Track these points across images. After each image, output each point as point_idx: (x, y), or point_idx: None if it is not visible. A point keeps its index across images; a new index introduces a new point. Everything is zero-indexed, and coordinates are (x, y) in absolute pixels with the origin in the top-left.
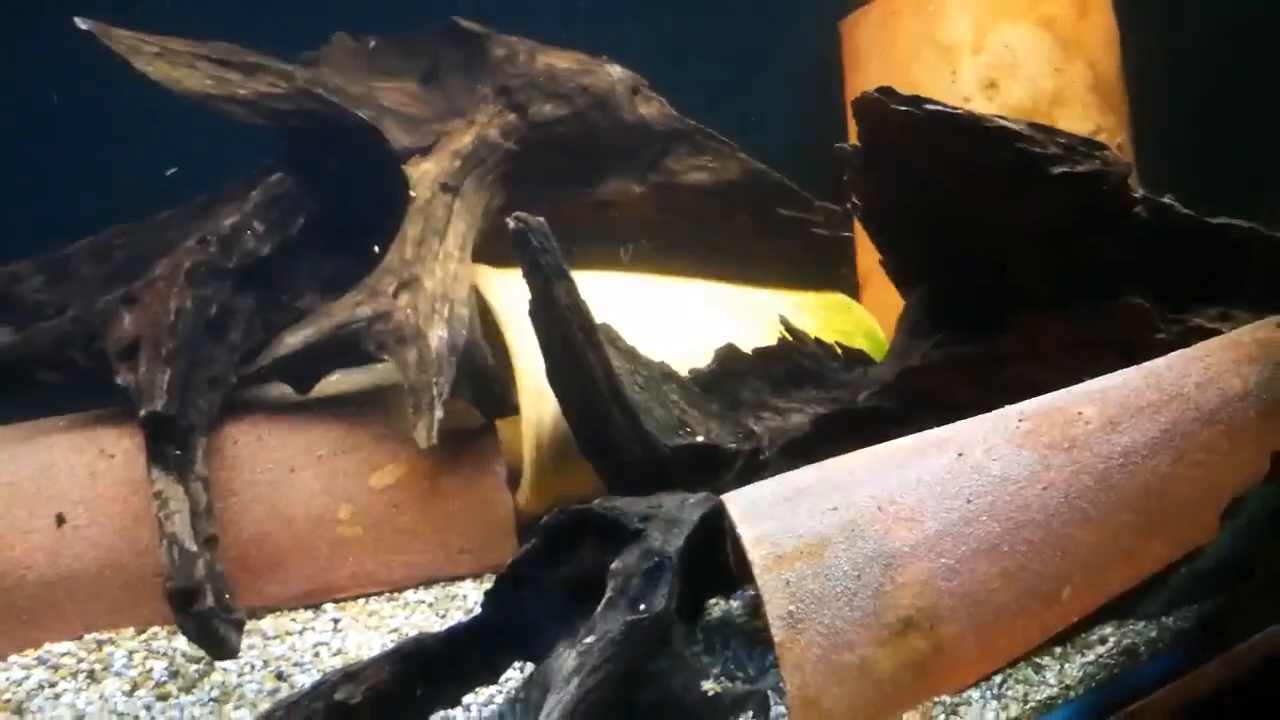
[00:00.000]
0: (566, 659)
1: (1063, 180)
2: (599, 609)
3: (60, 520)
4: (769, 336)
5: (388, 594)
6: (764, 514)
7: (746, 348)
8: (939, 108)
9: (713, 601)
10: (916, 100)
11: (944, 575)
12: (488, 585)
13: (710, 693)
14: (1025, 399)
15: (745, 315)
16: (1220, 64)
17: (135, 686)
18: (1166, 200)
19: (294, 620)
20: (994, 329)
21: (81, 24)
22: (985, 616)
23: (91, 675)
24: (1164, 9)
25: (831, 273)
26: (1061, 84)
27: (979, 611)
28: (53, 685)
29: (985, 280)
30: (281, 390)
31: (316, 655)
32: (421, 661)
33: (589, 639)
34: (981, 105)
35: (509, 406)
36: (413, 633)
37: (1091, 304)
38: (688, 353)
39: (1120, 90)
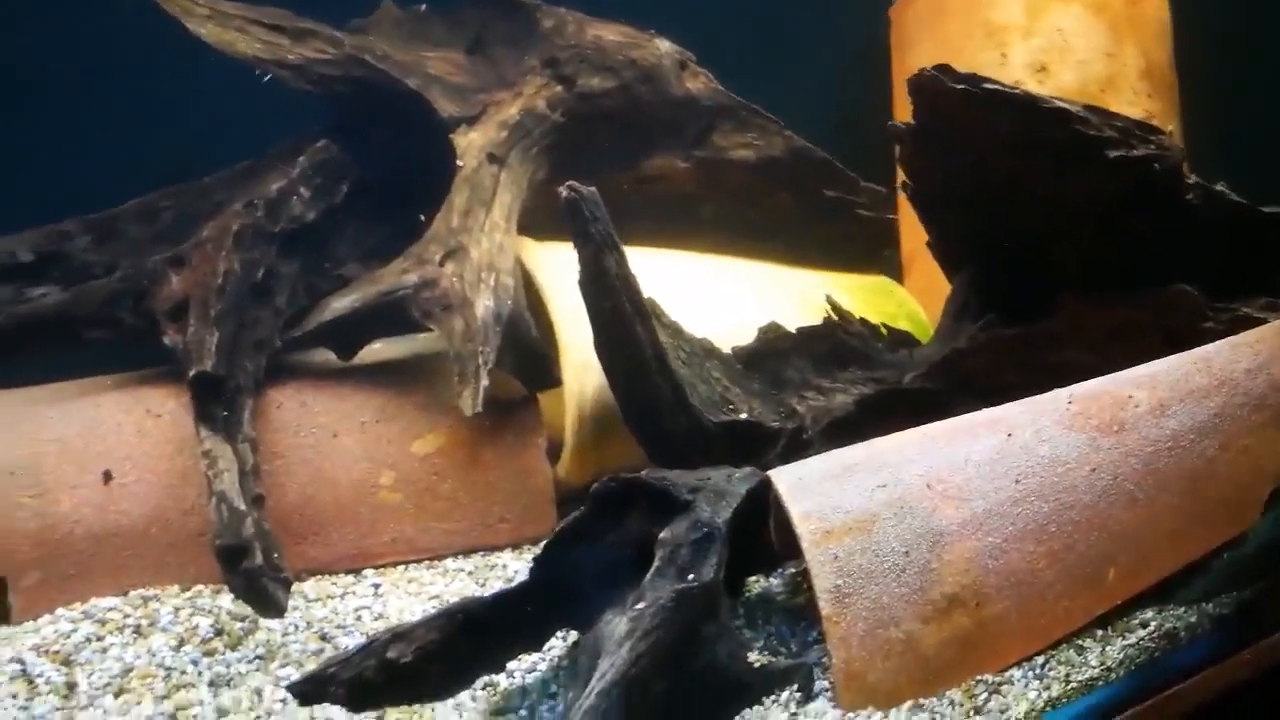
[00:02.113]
0: (618, 625)
1: (1117, 164)
2: (648, 577)
3: (108, 477)
4: (811, 316)
5: (427, 561)
6: (812, 489)
7: (788, 327)
8: (997, 86)
9: (753, 579)
10: (974, 79)
11: (990, 554)
12: (526, 555)
13: (756, 664)
14: (1071, 383)
15: (787, 295)
16: (1272, 52)
17: (182, 642)
18: (1219, 188)
19: (335, 584)
20: (1041, 312)
21: None
22: (1030, 596)
23: (138, 630)
24: None
25: (875, 255)
26: (1113, 69)
27: (1024, 591)
28: (100, 639)
29: (1034, 263)
30: (325, 356)
31: (359, 619)
32: (469, 625)
33: (640, 605)
34: (1031, 89)
35: (552, 378)
36: (454, 600)
37: (1140, 290)
38: (728, 330)
39: (1171, 77)
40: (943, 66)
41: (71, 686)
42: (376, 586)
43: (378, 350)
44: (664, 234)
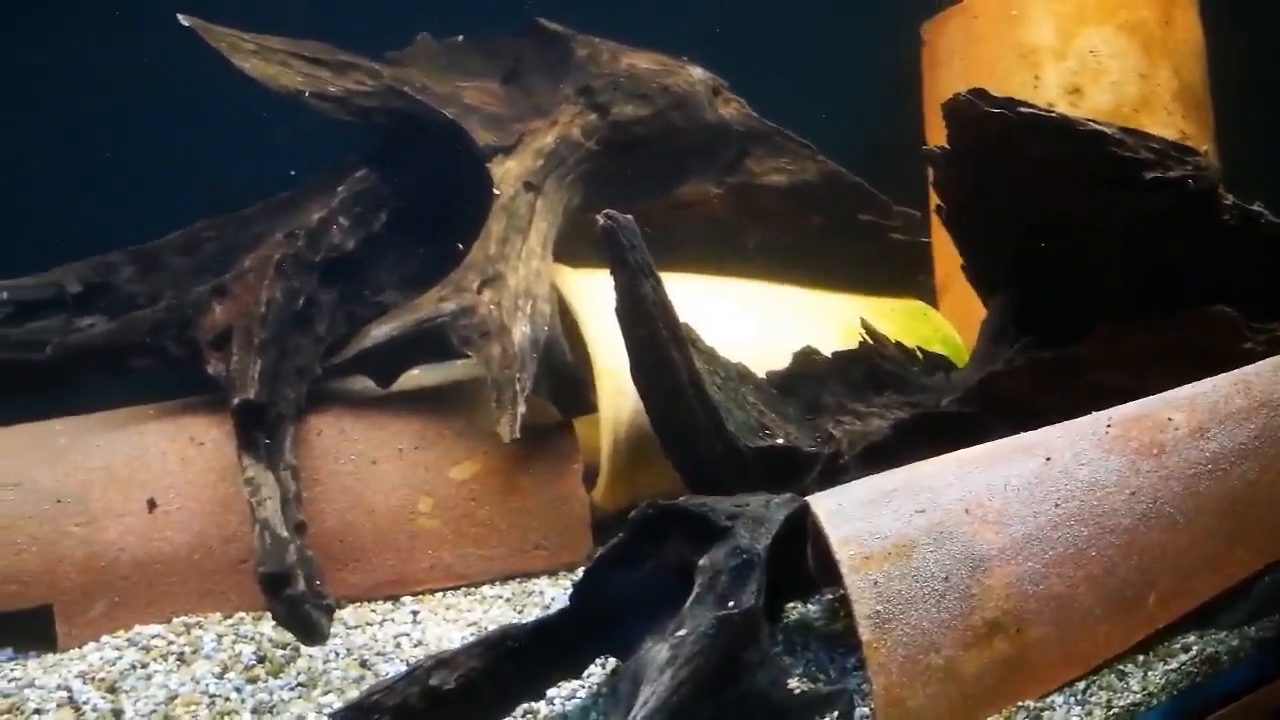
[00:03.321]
0: (659, 652)
1: (1154, 185)
2: (688, 604)
3: (152, 505)
4: (845, 341)
5: (464, 588)
6: (851, 515)
7: (824, 351)
8: (1033, 110)
9: (791, 605)
10: (1010, 103)
11: (1030, 579)
12: (563, 582)
13: (796, 691)
14: (1108, 406)
15: (823, 319)
16: None
17: (225, 669)
18: (1256, 208)
19: (374, 611)
20: (1078, 335)
21: (184, 20)
22: (1071, 621)
23: (181, 658)
24: (1249, 16)
25: (909, 278)
26: (1147, 90)
27: (1065, 616)
28: (144, 666)
29: (1071, 286)
30: (363, 383)
31: (398, 645)
32: (511, 652)
33: (681, 632)
34: (1065, 110)
35: (587, 404)
36: (492, 626)
37: (1178, 311)
38: (763, 355)
39: (1205, 97)
40: (978, 91)
41: (118, 714)
42: (415, 613)
43: (415, 377)
44: (699, 259)
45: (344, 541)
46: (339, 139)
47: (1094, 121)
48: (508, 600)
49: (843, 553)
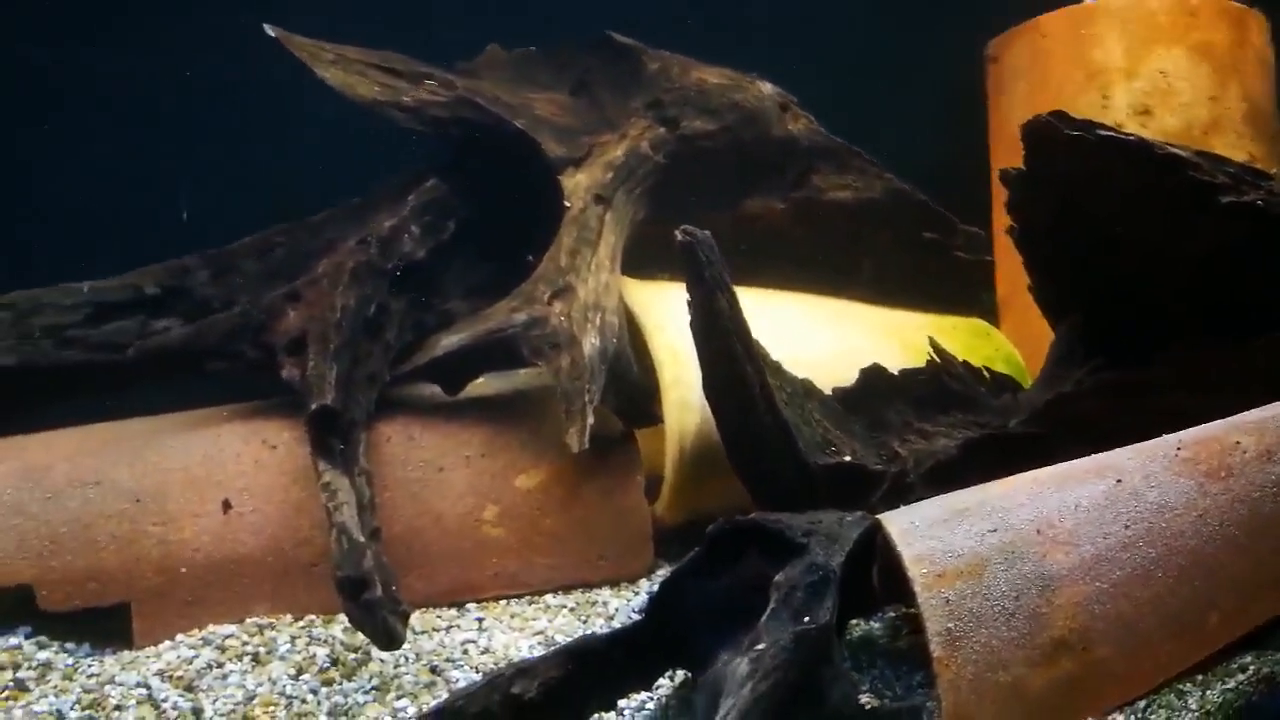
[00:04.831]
0: (739, 665)
1: (1229, 209)
2: (764, 619)
3: (227, 506)
4: (908, 358)
5: (527, 597)
6: (923, 534)
7: (889, 368)
8: (1110, 133)
9: (853, 622)
10: (1089, 125)
11: (1099, 599)
12: (625, 592)
13: (868, 706)
14: (1177, 429)
15: (884, 335)
16: None
17: (300, 670)
18: None
19: (439, 617)
20: (1148, 358)
21: (270, 31)
22: (1135, 641)
23: (256, 658)
24: None
25: (971, 297)
26: (1217, 112)
27: (1129, 635)
28: (220, 666)
29: (1141, 308)
30: (430, 390)
31: (465, 652)
32: (589, 662)
33: (759, 646)
34: (1135, 131)
35: (651, 416)
36: (558, 636)
37: (1247, 335)
38: (827, 370)
39: (1273, 118)
40: (1058, 113)
41: (198, 713)
42: (480, 620)
43: (481, 385)
44: (763, 272)
45: (411, 547)
46: (406, 146)
47: (1171, 145)
48: (572, 610)
49: (915, 570)
